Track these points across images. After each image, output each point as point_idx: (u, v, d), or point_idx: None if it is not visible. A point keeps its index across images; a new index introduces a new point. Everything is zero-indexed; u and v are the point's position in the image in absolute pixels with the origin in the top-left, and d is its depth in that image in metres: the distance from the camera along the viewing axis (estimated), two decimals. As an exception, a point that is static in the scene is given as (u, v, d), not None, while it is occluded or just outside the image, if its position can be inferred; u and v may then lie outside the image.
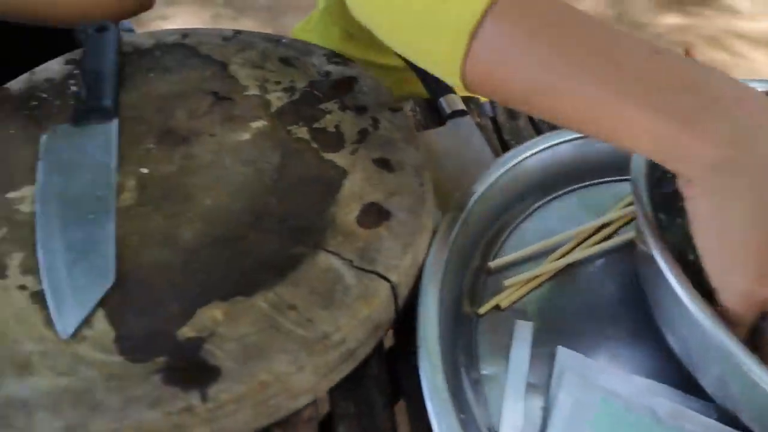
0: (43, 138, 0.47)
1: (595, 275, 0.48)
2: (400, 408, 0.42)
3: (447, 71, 0.39)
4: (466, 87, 0.39)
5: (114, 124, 0.48)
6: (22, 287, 0.39)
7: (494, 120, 0.61)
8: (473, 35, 0.36)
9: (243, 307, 0.37)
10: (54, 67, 0.55)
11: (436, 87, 0.61)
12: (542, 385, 0.42)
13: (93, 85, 0.50)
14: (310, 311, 0.37)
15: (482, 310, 0.44)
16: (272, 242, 0.41)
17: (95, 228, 0.41)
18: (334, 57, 0.56)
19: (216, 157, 0.47)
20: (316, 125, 0.49)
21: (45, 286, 0.38)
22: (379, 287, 0.39)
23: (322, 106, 0.51)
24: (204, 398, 0.33)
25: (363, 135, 0.48)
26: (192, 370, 0.35)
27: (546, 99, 0.36)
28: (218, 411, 0.34)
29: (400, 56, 0.66)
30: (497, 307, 0.45)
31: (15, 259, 0.40)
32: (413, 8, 0.38)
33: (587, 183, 0.54)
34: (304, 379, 0.36)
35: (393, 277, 0.39)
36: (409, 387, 0.41)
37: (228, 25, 1.65)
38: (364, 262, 0.40)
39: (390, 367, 0.42)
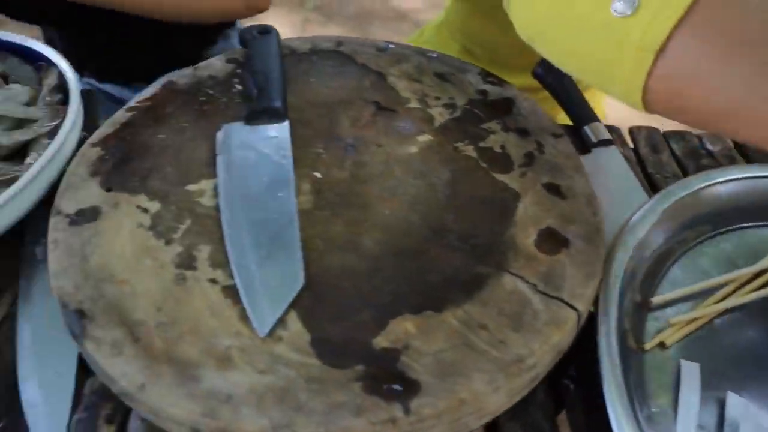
0: (219, 134, 0.48)
1: (756, 320, 0.47)
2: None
3: (626, 89, 0.37)
4: (646, 106, 0.37)
5: (286, 126, 0.49)
6: (213, 281, 0.39)
7: (635, 151, 0.61)
8: (660, 52, 0.34)
9: (434, 322, 0.37)
10: (216, 65, 0.56)
11: (579, 114, 0.60)
12: (710, 428, 0.41)
13: (263, 86, 0.51)
14: (501, 332, 0.37)
15: (648, 346, 0.44)
16: (455, 259, 0.41)
17: (280, 228, 0.41)
18: (488, 76, 0.56)
19: (386, 168, 0.47)
20: (482, 144, 0.49)
21: (238, 282, 0.38)
22: (567, 315, 0.38)
23: (485, 125, 0.51)
24: (407, 411, 0.33)
25: (530, 158, 0.48)
26: (391, 381, 0.35)
27: (743, 121, 0.34)
28: (418, 425, 0.34)
29: (536, 78, 0.67)
30: (661, 344, 0.44)
31: (203, 252, 0.41)
32: (592, 24, 0.37)
33: (739, 226, 0.53)
34: (497, 400, 0.36)
35: (579, 306, 0.39)
36: (573, 410, 0.41)
37: (317, 30, 1.68)
38: (549, 287, 0.40)
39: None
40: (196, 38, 0.93)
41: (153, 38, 0.86)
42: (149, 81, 0.94)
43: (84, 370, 0.41)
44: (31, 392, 0.40)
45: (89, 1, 0.62)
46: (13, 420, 0.40)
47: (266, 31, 0.57)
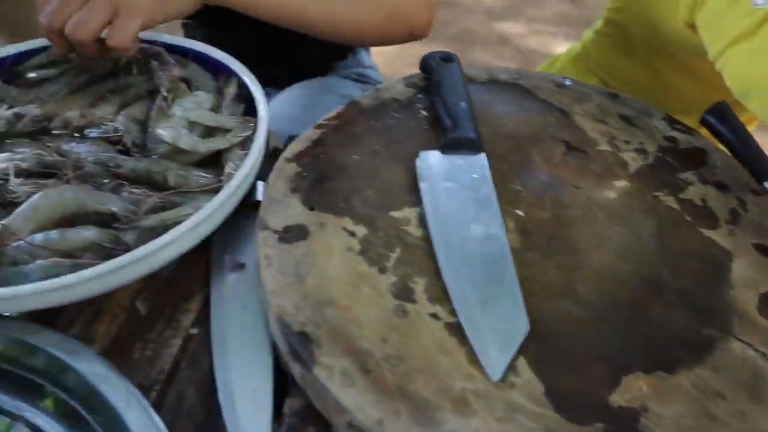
0: (418, 162, 0.47)
1: None
2: None
3: None
4: None
5: (483, 158, 0.48)
6: (434, 316, 0.38)
7: (815, 213, 0.58)
8: None
9: (667, 384, 0.36)
10: (398, 88, 0.56)
11: (760, 169, 0.58)
12: None
13: (455, 115, 0.50)
14: (740, 403, 0.36)
15: None
16: (678, 318, 0.39)
17: (496, 267, 0.41)
18: (674, 123, 0.55)
19: (588, 212, 0.46)
20: (681, 196, 0.48)
21: (463, 322, 0.38)
22: (805, 390, 0.37)
23: (681, 175, 0.49)
24: (658, 479, 0.32)
25: (734, 216, 0.47)
26: (635, 445, 0.33)
27: None
28: (666, 495, 0.32)
29: (704, 125, 0.65)
30: None
31: (419, 284, 0.40)
32: None
33: None
34: (740, 476, 0.34)
35: (814, 382, 0.37)
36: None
37: (418, 50, 1.67)
38: (781, 358, 0.38)
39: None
40: (329, 51, 0.93)
41: (289, 47, 0.86)
42: (279, 88, 0.95)
43: (279, 385, 0.41)
44: (230, 405, 0.40)
45: (262, 17, 0.62)
46: (213, 427, 0.40)
47: (449, 58, 0.56)
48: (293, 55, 0.89)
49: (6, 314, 0.43)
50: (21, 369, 0.41)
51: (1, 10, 0.60)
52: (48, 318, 0.44)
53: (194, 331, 0.45)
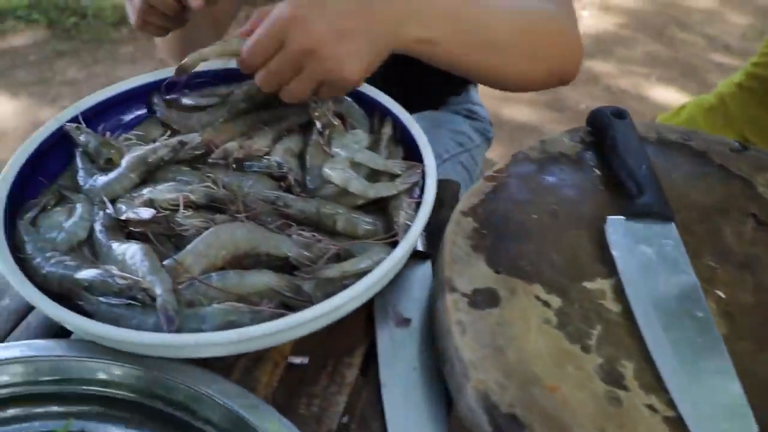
0: (608, 229, 0.44)
1: None
2: None
3: None
4: None
5: (674, 229, 0.45)
6: (651, 408, 0.35)
7: None
8: None
9: None
10: (564, 141, 0.53)
11: None
12: None
13: (638, 180, 0.47)
14: None
15: None
16: None
17: (712, 357, 0.37)
18: None
19: (796, 299, 0.42)
20: None
21: (687, 420, 0.34)
22: None
23: None
24: None
25: None
26: None
27: None
28: None
29: None
30: None
31: (628, 369, 0.37)
32: None
33: None
34: None
35: None
36: None
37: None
38: None
39: None
40: (446, 84, 0.92)
41: (412, 74, 0.82)
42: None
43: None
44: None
45: (436, 64, 0.59)
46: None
47: (621, 114, 0.53)
48: (415, 84, 0.86)
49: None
50: (192, 418, 0.39)
51: (177, 35, 0.60)
52: (204, 361, 0.41)
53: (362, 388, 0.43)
